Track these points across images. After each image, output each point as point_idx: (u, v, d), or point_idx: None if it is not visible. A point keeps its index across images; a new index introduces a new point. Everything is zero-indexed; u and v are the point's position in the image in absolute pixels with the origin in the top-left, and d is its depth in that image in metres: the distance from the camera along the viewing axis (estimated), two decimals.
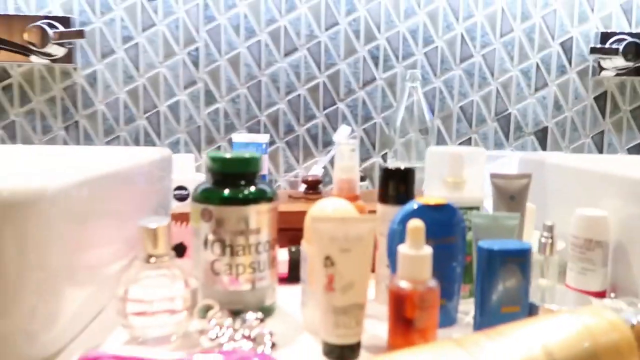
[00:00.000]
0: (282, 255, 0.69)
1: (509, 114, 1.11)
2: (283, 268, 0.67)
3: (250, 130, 1.10)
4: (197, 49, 1.08)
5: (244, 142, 1.04)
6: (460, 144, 1.11)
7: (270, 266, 0.56)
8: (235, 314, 0.52)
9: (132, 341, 0.50)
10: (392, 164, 0.61)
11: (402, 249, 0.47)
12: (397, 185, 0.61)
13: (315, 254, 0.47)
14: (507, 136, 1.11)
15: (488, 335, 0.42)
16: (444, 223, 0.53)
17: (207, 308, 0.51)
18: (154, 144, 1.10)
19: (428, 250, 0.46)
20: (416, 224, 0.46)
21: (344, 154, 0.62)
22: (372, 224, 0.48)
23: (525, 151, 1.10)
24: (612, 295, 0.60)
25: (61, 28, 1.05)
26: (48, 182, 0.46)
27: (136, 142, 1.10)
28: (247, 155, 0.56)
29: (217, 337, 0.48)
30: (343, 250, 0.46)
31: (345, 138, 1.05)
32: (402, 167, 0.61)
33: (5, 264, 0.43)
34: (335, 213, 0.50)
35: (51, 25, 1.03)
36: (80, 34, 1.04)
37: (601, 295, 0.62)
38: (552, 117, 1.11)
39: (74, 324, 0.51)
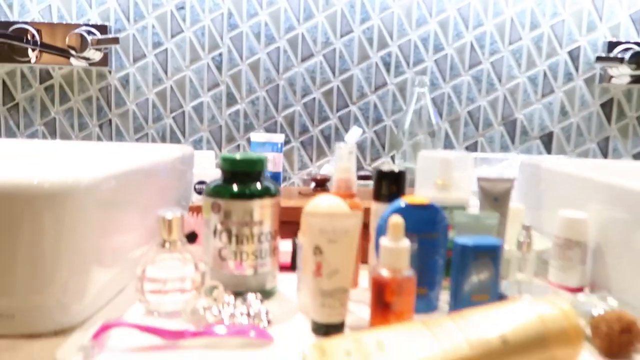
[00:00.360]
0: (287, 246, 0.76)
1: (515, 118, 1.15)
2: (287, 258, 0.74)
3: (268, 130, 1.18)
4: (220, 55, 1.16)
5: (261, 141, 1.12)
6: (466, 147, 1.16)
7: (271, 254, 0.64)
8: (239, 295, 0.59)
9: (147, 315, 0.58)
10: (386, 166, 0.67)
11: (383, 241, 0.53)
12: (389, 186, 0.67)
13: (306, 243, 0.54)
14: (512, 140, 1.16)
15: (452, 318, 0.48)
16: (427, 220, 0.59)
17: (213, 288, 0.59)
18: (179, 141, 1.18)
19: (406, 243, 0.53)
20: (396, 220, 0.53)
21: (343, 156, 0.68)
22: (357, 220, 0.54)
23: (530, 155, 1.14)
24: (587, 290, 0.64)
25: (99, 35, 1.14)
26: (82, 175, 0.55)
27: (163, 139, 1.19)
28: (253, 156, 0.63)
29: (220, 313, 0.56)
30: (330, 241, 0.53)
31: (355, 139, 1.12)
32: (395, 170, 0.67)
33: (44, 246, 0.52)
34: (326, 209, 0.57)
35: (90, 32, 1.13)
36: (115, 40, 1.13)
37: (579, 290, 0.67)
38: (557, 122, 1.15)
39: (100, 298, 0.59)
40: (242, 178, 0.63)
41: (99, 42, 1.12)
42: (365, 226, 0.72)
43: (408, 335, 0.47)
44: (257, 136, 1.12)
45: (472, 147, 1.16)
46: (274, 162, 1.12)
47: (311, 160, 1.18)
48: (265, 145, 1.12)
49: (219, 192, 0.62)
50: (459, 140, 1.16)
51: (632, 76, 1.09)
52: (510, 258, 0.66)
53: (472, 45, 1.13)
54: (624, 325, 0.49)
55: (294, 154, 1.18)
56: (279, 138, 1.12)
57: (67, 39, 1.12)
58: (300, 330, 0.55)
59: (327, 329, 0.53)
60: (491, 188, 0.67)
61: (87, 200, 0.55)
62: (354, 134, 1.12)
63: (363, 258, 0.69)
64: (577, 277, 0.67)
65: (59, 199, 0.52)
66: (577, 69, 1.13)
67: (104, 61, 1.17)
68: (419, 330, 0.47)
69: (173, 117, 1.18)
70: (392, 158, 1.16)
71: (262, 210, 0.62)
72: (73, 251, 0.53)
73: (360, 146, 1.18)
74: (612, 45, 1.10)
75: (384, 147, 1.18)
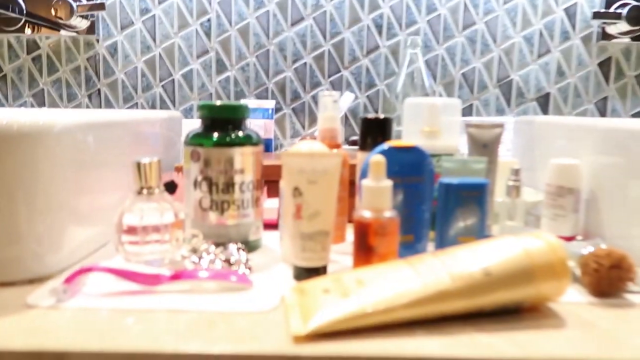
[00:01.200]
0: (275, 203, 0.74)
1: (511, 80, 1.13)
2: (274, 214, 0.73)
3: (259, 97, 1.16)
4: (209, 20, 1.14)
5: (252, 107, 1.10)
6: (462, 110, 1.14)
7: (254, 205, 0.62)
8: (220, 245, 0.58)
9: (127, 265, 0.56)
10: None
11: (365, 181, 0.51)
12: (375, 134, 0.65)
13: (286, 186, 0.52)
14: (508, 102, 1.13)
15: (434, 254, 0.46)
16: (411, 164, 0.57)
17: (193, 237, 0.57)
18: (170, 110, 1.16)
19: (388, 182, 0.51)
20: (376, 158, 0.51)
21: (327, 105, 0.66)
22: (338, 159, 0.52)
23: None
24: (580, 238, 0.62)
25: (84, 1, 1.12)
26: (55, 119, 0.53)
27: (153, 108, 1.17)
28: (234, 103, 0.61)
29: (199, 261, 0.54)
30: (310, 182, 0.51)
31: (348, 104, 1.09)
32: (380, 117, 0.65)
33: (16, 194, 0.50)
34: (306, 150, 0.55)
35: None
36: (101, 6, 1.11)
37: (572, 239, 0.65)
38: (554, 83, 1.12)
39: (78, 251, 0.58)
40: (222, 126, 0.61)
41: (84, 8, 1.10)
42: (353, 183, 0.70)
43: (389, 272, 0.45)
44: (247, 102, 1.10)
45: (467, 111, 1.14)
46: (266, 128, 1.10)
47: (303, 127, 1.16)
48: (256, 112, 1.10)
49: (198, 140, 0.60)
50: None
51: (630, 32, 1.06)
52: (500, 206, 0.65)
53: (465, 5, 1.11)
54: (613, 261, 0.47)
55: (286, 120, 1.16)
56: (270, 104, 1.10)
57: (52, 8, 1.09)
58: (281, 277, 0.54)
59: (308, 274, 0.52)
60: (480, 134, 0.65)
61: (60, 146, 0.53)
62: (346, 100, 1.10)
63: (351, 216, 0.67)
64: (570, 226, 0.66)
65: (30, 143, 0.50)
66: (574, 27, 1.10)
67: (91, 30, 1.15)
68: (401, 267, 0.45)
69: (162, 86, 1.16)
70: None
71: (243, 159, 0.60)
72: (46, 203, 0.52)
73: (353, 112, 1.16)
74: (609, 1, 1.06)
75: (377, 112, 1.15)
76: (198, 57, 1.15)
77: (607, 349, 0.39)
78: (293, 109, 1.16)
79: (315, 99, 1.14)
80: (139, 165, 0.55)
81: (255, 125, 1.10)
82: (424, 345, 0.39)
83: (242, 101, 1.10)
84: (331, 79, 1.14)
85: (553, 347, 0.39)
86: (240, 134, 0.61)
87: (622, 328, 0.42)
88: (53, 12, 1.10)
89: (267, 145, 1.11)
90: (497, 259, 0.43)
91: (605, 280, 0.47)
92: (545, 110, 1.13)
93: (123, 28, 1.15)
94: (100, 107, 1.17)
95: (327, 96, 0.66)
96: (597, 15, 1.06)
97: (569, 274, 0.44)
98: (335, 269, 0.57)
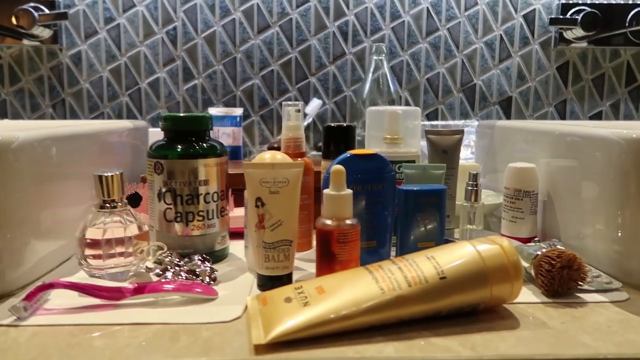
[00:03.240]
0: (242, 211, 0.75)
1: (474, 84, 1.16)
2: (242, 223, 0.73)
3: (227, 104, 1.16)
4: (175, 28, 1.14)
5: (220, 115, 1.10)
6: (427, 114, 1.16)
7: (219, 215, 0.62)
8: (185, 257, 0.58)
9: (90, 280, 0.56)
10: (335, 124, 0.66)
11: (326, 190, 0.52)
12: (338, 141, 0.66)
13: (248, 196, 0.53)
14: (472, 106, 1.16)
15: (393, 261, 0.48)
16: (373, 171, 0.58)
17: (157, 249, 0.57)
18: (136, 119, 1.16)
19: (348, 191, 0.52)
20: (337, 168, 0.52)
21: (291, 114, 0.67)
22: (299, 169, 0.53)
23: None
24: (537, 239, 0.65)
25: (46, 10, 1.11)
26: (14, 135, 0.52)
27: (119, 118, 1.16)
28: (197, 114, 0.62)
29: (164, 273, 0.54)
30: (272, 192, 0.52)
31: (315, 111, 1.11)
32: (344, 125, 0.66)
33: None
34: (267, 160, 0.56)
35: (36, 8, 1.09)
36: (63, 16, 1.10)
37: (530, 240, 0.68)
38: (516, 87, 1.16)
39: (40, 266, 0.57)
40: (186, 137, 0.61)
41: (46, 18, 1.09)
42: (319, 190, 0.71)
43: (348, 278, 0.46)
44: (215, 110, 1.11)
45: (433, 115, 1.16)
46: (234, 136, 1.11)
47: (272, 133, 1.17)
48: (225, 120, 1.10)
49: (161, 152, 0.60)
50: (419, 108, 1.15)
51: (586, 37, 1.10)
52: (460, 209, 0.66)
53: (428, 12, 1.13)
54: (564, 262, 0.49)
55: (254, 127, 1.17)
56: (238, 111, 1.11)
57: (13, 17, 1.08)
58: (246, 287, 0.54)
59: (273, 283, 0.53)
60: (440, 141, 0.67)
61: (19, 161, 0.53)
62: (313, 106, 1.11)
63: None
64: (528, 228, 0.68)
65: None
66: (532, 33, 1.14)
67: (54, 39, 1.13)
68: (360, 273, 0.47)
69: (129, 95, 1.15)
70: None
71: (207, 170, 0.61)
72: (7, 215, 0.51)
73: (321, 118, 1.17)
74: (565, 8, 1.10)
75: (344, 118, 1.17)
76: (164, 65, 1.15)
77: (557, 348, 0.40)
78: (261, 116, 1.16)
79: (283, 105, 1.15)
80: (100, 178, 0.54)
81: (224, 132, 1.10)
82: (381, 350, 0.40)
83: (210, 109, 1.10)
84: (299, 85, 1.15)
85: (506, 347, 0.40)
86: (205, 145, 0.61)
87: (573, 327, 0.44)
88: (14, 21, 1.08)
89: (236, 153, 1.11)
90: (452, 264, 0.45)
91: (557, 280, 0.50)
92: (507, 114, 1.16)
93: (87, 37, 1.14)
94: (65, 117, 1.16)
95: (290, 106, 0.67)
96: (553, 21, 1.09)
97: (522, 276, 0.46)
98: (301, 276, 0.58)
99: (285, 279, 0.53)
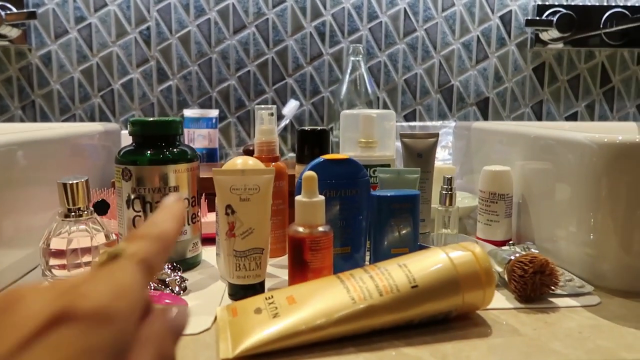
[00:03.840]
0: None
1: (452, 85, 1.16)
2: (214, 228, 0.72)
3: (202, 106, 1.14)
4: (148, 28, 1.11)
5: (195, 116, 1.08)
6: (405, 115, 1.16)
7: (190, 222, 0.61)
8: None
9: None
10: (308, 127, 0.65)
11: (298, 197, 0.51)
12: (312, 146, 0.66)
13: (218, 203, 0.52)
14: (450, 107, 1.16)
15: (365, 269, 0.47)
16: (346, 176, 0.58)
17: None
18: (109, 121, 1.13)
19: (320, 198, 0.51)
20: (309, 174, 0.51)
21: (264, 118, 0.66)
22: (270, 176, 0.52)
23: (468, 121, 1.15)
24: (511, 242, 0.65)
25: (14, 9, 1.07)
26: None
27: (92, 120, 1.13)
28: (166, 119, 0.60)
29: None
30: (242, 200, 0.51)
31: (292, 112, 1.09)
32: (317, 129, 0.65)
33: None
34: (237, 166, 0.55)
35: (3, 7, 1.06)
36: (32, 15, 1.07)
37: (504, 243, 0.67)
38: (493, 88, 1.16)
39: (2, 277, 0.55)
40: (155, 142, 0.60)
41: (14, 17, 1.05)
42: (294, 194, 0.70)
43: (320, 288, 0.45)
44: (190, 112, 1.09)
45: (411, 116, 1.16)
46: (210, 138, 1.09)
47: (249, 135, 1.15)
48: (200, 121, 1.08)
49: (128, 158, 0.58)
50: (397, 109, 1.15)
51: (561, 39, 1.11)
52: (435, 213, 0.66)
53: (405, 12, 1.13)
54: (536, 267, 0.49)
55: (231, 129, 1.15)
56: (213, 113, 1.09)
57: None
58: (217, 296, 0.53)
59: (244, 292, 0.51)
60: (414, 144, 0.66)
61: None
62: (291, 107, 1.09)
63: None
64: (503, 231, 0.68)
65: None
66: (509, 34, 1.14)
67: (23, 39, 1.10)
68: (331, 282, 0.46)
69: (101, 96, 1.13)
70: (331, 130, 1.15)
71: (177, 175, 0.59)
72: None
73: (299, 119, 1.16)
74: (541, 9, 1.11)
75: (322, 119, 1.16)
76: (138, 66, 1.12)
77: (529, 356, 0.40)
78: (238, 118, 1.15)
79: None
80: (65, 186, 0.53)
81: (199, 134, 1.08)
82: None
83: (185, 110, 1.08)
84: (275, 86, 1.14)
85: (477, 356, 0.40)
86: (175, 150, 0.60)
87: (545, 333, 0.44)
88: None
89: (212, 155, 1.09)
90: (423, 272, 0.44)
91: (530, 285, 0.49)
92: (485, 115, 1.17)
93: (57, 37, 1.11)
94: (36, 119, 1.13)
95: (263, 109, 0.66)
96: (529, 22, 1.10)
97: (494, 283, 0.46)
98: (274, 283, 0.57)
99: (257, 287, 0.52)
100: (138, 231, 0.23)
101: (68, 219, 0.53)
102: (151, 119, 0.59)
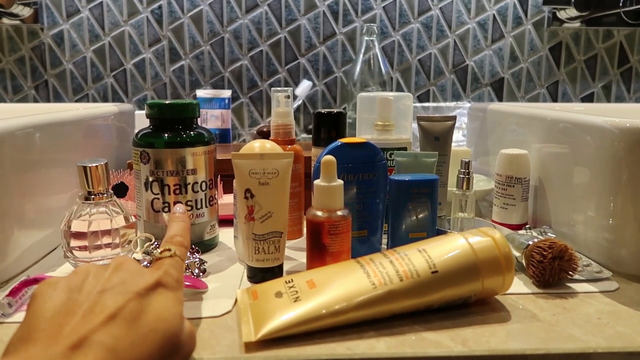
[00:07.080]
0: (232, 198, 0.74)
1: (466, 65, 1.14)
2: (232, 210, 0.72)
3: (215, 86, 1.13)
4: (160, 7, 1.10)
5: (208, 97, 1.08)
6: (419, 96, 1.15)
7: (208, 204, 0.61)
8: None
9: None
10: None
11: (317, 181, 0.51)
12: (328, 129, 0.65)
13: (237, 187, 0.52)
14: (464, 88, 1.15)
15: (384, 254, 0.47)
16: (364, 160, 0.57)
17: (145, 241, 0.56)
18: (122, 101, 1.13)
19: (339, 182, 0.51)
20: (328, 158, 0.51)
21: (280, 101, 0.66)
22: (289, 160, 0.52)
23: (482, 102, 1.14)
24: (528, 226, 0.64)
25: None
26: None
27: (105, 100, 1.13)
28: (183, 101, 0.60)
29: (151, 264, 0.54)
30: (262, 184, 0.51)
31: (305, 92, 1.09)
32: (334, 111, 0.65)
33: None
34: (256, 150, 0.55)
35: None
36: None
37: (521, 227, 0.67)
38: (508, 68, 1.14)
39: (25, 258, 0.56)
40: (172, 125, 0.60)
41: None
42: (309, 176, 0.70)
43: (340, 272, 0.46)
44: (203, 92, 1.08)
45: (425, 96, 1.15)
46: (223, 118, 1.09)
47: (261, 115, 1.15)
48: (213, 102, 1.08)
49: (146, 140, 0.59)
50: (411, 89, 1.14)
51: (579, 18, 1.08)
52: (452, 197, 0.66)
53: None
54: (555, 252, 0.49)
55: (244, 109, 1.15)
56: (226, 93, 1.09)
57: None
58: (236, 279, 0.54)
59: (263, 275, 0.52)
60: (431, 127, 0.66)
61: (1, 150, 0.51)
62: (303, 88, 1.09)
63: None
64: (519, 214, 0.68)
65: None
66: (526, 13, 1.12)
67: (35, 18, 1.09)
68: (351, 267, 0.46)
69: (114, 76, 1.12)
70: (345, 110, 1.14)
71: (195, 158, 0.59)
72: None
73: (311, 100, 1.15)
74: None
75: (335, 100, 1.15)
76: (150, 45, 1.12)
77: (548, 342, 0.40)
78: (250, 98, 1.14)
79: (272, 86, 1.13)
80: (84, 169, 0.53)
81: (212, 115, 1.08)
82: (373, 346, 0.39)
83: (198, 91, 1.08)
84: (288, 66, 1.13)
85: (497, 342, 0.40)
86: (192, 133, 0.60)
87: (563, 319, 0.44)
88: None
89: (225, 136, 1.09)
90: (443, 257, 0.44)
91: (549, 271, 0.49)
92: (499, 95, 1.15)
93: (69, 16, 1.10)
94: (49, 99, 1.13)
95: (279, 92, 0.66)
96: (547, 0, 1.08)
97: (513, 268, 0.46)
98: (291, 265, 0.57)
99: (276, 271, 0.53)
100: (175, 238, 0.43)
101: (88, 202, 0.54)
102: (168, 101, 0.59)
